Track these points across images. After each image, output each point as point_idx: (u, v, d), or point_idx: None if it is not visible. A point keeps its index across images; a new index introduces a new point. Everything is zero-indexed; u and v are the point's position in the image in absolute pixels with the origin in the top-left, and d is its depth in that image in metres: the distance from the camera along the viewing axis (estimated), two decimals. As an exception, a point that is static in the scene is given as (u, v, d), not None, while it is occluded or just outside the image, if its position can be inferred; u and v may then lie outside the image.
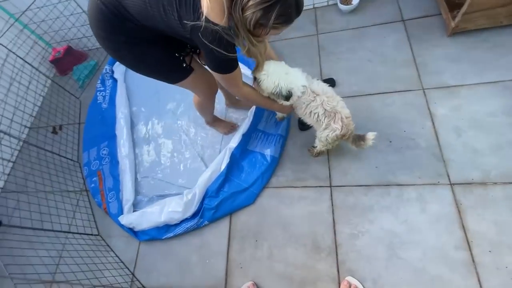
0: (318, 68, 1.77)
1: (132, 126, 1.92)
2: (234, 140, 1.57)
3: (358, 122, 1.51)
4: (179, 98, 1.90)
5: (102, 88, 2.10)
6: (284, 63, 1.19)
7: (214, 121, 1.64)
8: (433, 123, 1.44)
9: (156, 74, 1.13)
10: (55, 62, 2.26)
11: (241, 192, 1.48)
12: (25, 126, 2.08)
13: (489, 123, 1.37)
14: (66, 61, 2.27)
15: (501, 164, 1.27)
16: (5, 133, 1.59)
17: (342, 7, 1.90)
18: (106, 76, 2.13)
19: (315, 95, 1.17)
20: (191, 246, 1.45)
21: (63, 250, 1.53)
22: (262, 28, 0.87)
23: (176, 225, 1.48)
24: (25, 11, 1.94)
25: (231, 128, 1.67)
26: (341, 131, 1.18)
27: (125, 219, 1.52)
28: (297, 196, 1.44)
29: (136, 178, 1.71)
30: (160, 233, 1.48)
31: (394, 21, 1.82)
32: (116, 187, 1.67)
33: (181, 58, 1.10)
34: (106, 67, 2.15)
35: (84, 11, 2.11)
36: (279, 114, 1.54)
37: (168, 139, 1.81)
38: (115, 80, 2.09)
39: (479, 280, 1.10)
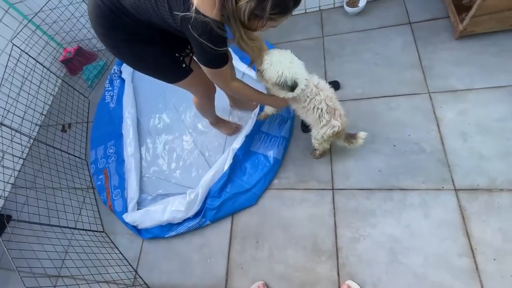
0: (323, 70, 1.77)
1: (138, 125, 1.95)
2: (238, 141, 1.58)
3: (362, 125, 1.51)
4: (185, 98, 1.92)
5: (110, 88, 2.15)
6: (290, 51, 1.12)
7: (218, 122, 1.66)
8: (438, 128, 1.42)
9: (155, 73, 1.13)
10: (66, 62, 2.33)
11: (243, 193, 1.49)
12: (36, 124, 2.14)
13: (497, 128, 1.34)
14: (76, 61, 2.33)
15: (508, 170, 1.25)
16: (16, 131, 1.64)
17: (348, 9, 1.89)
18: (114, 76, 2.17)
19: (318, 90, 1.15)
20: (193, 245, 1.46)
21: (69, 245, 1.57)
22: (258, 20, 0.83)
23: (179, 224, 1.50)
24: (38, 12, 2.01)
25: (234, 129, 1.68)
26: (339, 128, 1.19)
27: (129, 217, 1.55)
28: (299, 198, 1.44)
29: (140, 177, 1.74)
30: (163, 231, 1.51)
31: (401, 23, 1.80)
32: (122, 185, 1.71)
33: (181, 58, 1.10)
34: (114, 67, 2.20)
35: (94, 13, 2.16)
36: (267, 111, 1.47)
37: (173, 139, 1.83)
38: (123, 80, 2.13)
39: (482, 288, 1.08)
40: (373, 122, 1.52)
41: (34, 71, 1.96)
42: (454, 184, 1.28)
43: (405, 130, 1.46)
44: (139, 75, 2.10)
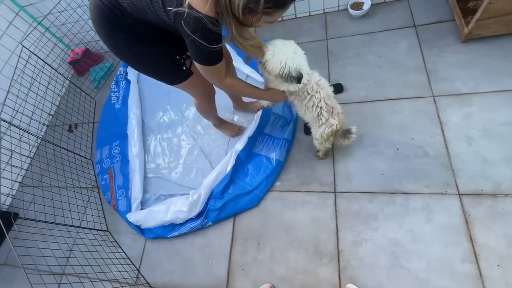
0: (326, 73, 1.77)
1: (143, 126, 1.98)
2: (240, 143, 1.59)
3: (365, 128, 1.51)
4: (189, 100, 1.92)
5: (116, 89, 2.18)
6: (294, 42, 1.08)
7: (221, 124, 1.67)
8: (442, 131, 1.41)
9: (155, 74, 1.14)
10: (73, 63, 2.37)
11: (246, 195, 1.49)
12: (43, 124, 2.18)
13: (502, 132, 1.33)
14: (84, 62, 2.37)
15: (514, 175, 1.23)
16: (25, 130, 1.68)
17: (353, 12, 1.89)
18: (120, 77, 2.21)
19: (319, 88, 1.14)
20: (195, 246, 1.47)
21: (74, 244, 1.59)
22: (253, 15, 0.80)
23: (181, 224, 1.51)
24: (47, 15, 2.05)
25: (237, 131, 1.69)
26: (337, 126, 1.19)
27: (132, 217, 1.56)
28: (301, 200, 1.44)
29: (144, 177, 1.76)
30: (166, 231, 1.52)
31: (406, 26, 1.79)
32: (126, 185, 1.73)
33: (182, 61, 1.10)
34: (120, 68, 2.24)
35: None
36: (262, 103, 1.42)
37: (177, 140, 1.85)
38: (128, 82, 2.16)
39: (485, 295, 1.07)
40: (376, 125, 1.52)
41: (42, 72, 2.00)
42: (458, 189, 1.27)
43: (408, 134, 1.45)
44: (144, 76, 2.13)
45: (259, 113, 1.64)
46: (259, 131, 1.63)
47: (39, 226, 1.43)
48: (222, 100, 1.62)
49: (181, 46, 1.08)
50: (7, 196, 1.85)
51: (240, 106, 1.75)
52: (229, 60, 1.34)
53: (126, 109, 2.03)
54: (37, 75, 1.96)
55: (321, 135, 1.24)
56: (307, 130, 1.56)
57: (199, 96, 1.33)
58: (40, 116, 2.13)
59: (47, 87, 2.09)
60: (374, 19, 1.89)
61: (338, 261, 1.26)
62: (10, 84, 1.67)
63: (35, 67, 1.91)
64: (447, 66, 1.57)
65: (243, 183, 1.52)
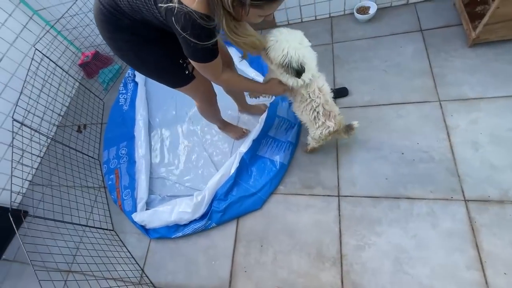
0: (331, 77, 1.77)
1: (149, 127, 2.01)
2: (245, 145, 1.60)
3: (370, 132, 1.51)
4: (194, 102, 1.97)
5: (124, 91, 2.22)
6: (302, 32, 1.02)
7: (226, 126, 1.69)
8: (448, 136, 1.40)
9: (157, 76, 1.15)
10: (84, 66, 2.43)
11: (249, 197, 1.50)
12: (54, 125, 2.24)
13: (510, 138, 1.31)
14: (93, 65, 2.43)
15: (522, 182, 1.21)
16: (36, 130, 1.73)
17: (359, 16, 1.90)
18: (128, 79, 2.25)
19: (320, 94, 1.14)
20: (198, 247, 1.49)
21: (80, 242, 1.63)
22: (242, 8, 0.78)
23: (185, 225, 1.53)
24: (60, 19, 2.11)
25: (242, 133, 1.71)
26: (334, 128, 1.19)
27: (138, 217, 1.59)
28: (304, 204, 1.44)
29: (150, 178, 1.79)
30: (170, 232, 1.54)
31: (412, 31, 1.79)
32: (132, 186, 1.76)
33: (185, 65, 1.11)
34: (128, 71, 2.28)
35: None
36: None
37: (182, 141, 1.87)
38: (136, 84, 2.21)
39: (491, 303, 1.05)
40: (381, 129, 1.51)
41: (54, 74, 2.06)
42: (464, 195, 1.25)
43: (414, 138, 1.44)
44: (152, 79, 2.18)
45: (264, 116, 1.65)
46: (264, 134, 1.64)
47: (48, 224, 1.47)
48: (227, 103, 1.64)
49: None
50: (18, 194, 1.90)
51: (245, 108, 1.76)
52: (230, 60, 1.33)
53: (134, 110, 2.07)
54: (49, 77, 2.02)
55: (319, 136, 1.25)
56: None
57: (200, 99, 1.35)
58: (51, 117, 2.19)
59: (57, 89, 2.15)
60: (380, 23, 1.89)
61: (341, 265, 1.25)
62: (23, 86, 1.72)
63: (47, 69, 1.97)
64: (454, 70, 1.56)
65: (247, 185, 1.53)
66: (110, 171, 1.88)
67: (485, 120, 1.38)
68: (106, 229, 1.66)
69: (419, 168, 1.36)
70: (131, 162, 1.86)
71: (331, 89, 1.65)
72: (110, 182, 1.83)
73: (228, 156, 1.68)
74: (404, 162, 1.40)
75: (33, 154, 1.89)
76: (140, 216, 1.58)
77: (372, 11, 1.87)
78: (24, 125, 1.62)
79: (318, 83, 1.14)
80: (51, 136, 2.15)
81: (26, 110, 1.80)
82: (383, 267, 1.20)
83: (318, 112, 1.18)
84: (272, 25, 2.14)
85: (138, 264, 1.52)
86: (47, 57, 1.94)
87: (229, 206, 1.49)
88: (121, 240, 1.63)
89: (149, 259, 1.54)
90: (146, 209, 1.64)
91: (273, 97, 1.45)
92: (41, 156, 2.13)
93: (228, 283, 1.35)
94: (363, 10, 1.92)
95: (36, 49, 1.84)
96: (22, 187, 1.85)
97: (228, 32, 0.83)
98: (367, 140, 1.50)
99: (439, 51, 1.65)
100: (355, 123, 1.25)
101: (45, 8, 2.19)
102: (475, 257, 1.13)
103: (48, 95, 2.05)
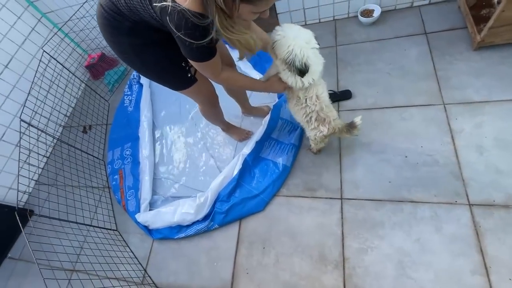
0: (335, 79, 1.78)
1: (154, 128, 2.03)
2: (248, 147, 1.61)
3: (373, 135, 1.51)
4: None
5: (129, 93, 2.25)
6: (312, 33, 1.00)
7: (229, 128, 1.70)
8: (453, 140, 1.39)
9: (160, 79, 1.16)
10: (90, 67, 2.47)
11: (252, 199, 1.51)
12: (60, 125, 2.28)
13: (515, 142, 1.30)
14: (99, 66, 2.46)
15: (527, 186, 1.20)
16: (42, 131, 1.76)
17: (363, 19, 1.90)
18: (133, 81, 2.28)
19: (318, 101, 1.14)
20: (201, 248, 1.49)
21: (84, 241, 1.64)
22: (233, 4, 0.77)
23: (188, 226, 1.53)
24: (67, 21, 2.15)
25: (245, 135, 1.72)
26: (327, 133, 1.19)
27: (141, 217, 1.60)
28: (306, 206, 1.44)
29: (153, 179, 1.80)
30: (173, 232, 1.55)
31: (416, 33, 1.78)
32: (136, 186, 1.78)
33: (187, 68, 1.11)
34: (133, 73, 2.31)
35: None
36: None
37: (186, 143, 1.89)
38: (141, 85, 2.23)
39: (496, 309, 1.04)
40: (384, 132, 1.51)
41: (61, 75, 2.10)
42: (468, 199, 1.24)
43: (417, 141, 1.43)
44: (157, 80, 2.20)
45: (267, 118, 1.66)
46: (267, 136, 1.65)
47: (53, 223, 1.49)
48: (230, 105, 1.65)
49: None
50: (24, 193, 1.93)
51: (248, 111, 1.77)
52: (231, 62, 1.33)
53: (138, 112, 2.09)
54: (56, 78, 2.06)
55: (315, 137, 1.25)
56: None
57: (202, 102, 1.36)
58: (57, 118, 2.22)
59: (64, 90, 2.18)
60: (384, 26, 1.89)
61: (343, 268, 1.25)
62: (31, 87, 1.76)
63: (54, 70, 2.00)
64: (458, 73, 1.55)
65: (250, 187, 1.54)
66: (114, 171, 1.90)
67: (490, 123, 1.37)
68: (110, 229, 1.68)
69: (423, 171, 1.36)
70: (135, 163, 1.88)
71: (335, 91, 1.65)
72: (114, 183, 1.85)
73: (231, 158, 1.69)
74: (408, 165, 1.39)
75: (40, 154, 1.92)
76: (144, 217, 1.60)
77: (376, 14, 1.87)
78: (31, 125, 1.65)
79: (317, 90, 1.13)
80: (57, 137, 2.18)
81: (33, 110, 1.83)
82: (385, 271, 1.20)
83: (311, 117, 1.18)
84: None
85: (140, 264, 1.53)
86: (54, 58, 1.97)
87: (231, 208, 1.49)
88: (124, 240, 1.65)
89: (152, 259, 1.55)
90: (150, 210, 1.65)
91: (277, 99, 1.45)
92: (47, 156, 2.16)
93: (230, 284, 1.35)
94: (367, 13, 1.92)
95: (44, 51, 1.88)
96: (29, 186, 1.88)
97: (221, 29, 0.81)
98: (370, 142, 1.49)
99: (444, 54, 1.64)
100: (358, 120, 1.18)
101: (53, 10, 2.23)
102: (480, 262, 1.12)
103: (55, 96, 2.08)
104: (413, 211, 1.28)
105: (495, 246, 1.13)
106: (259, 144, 1.62)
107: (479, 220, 1.19)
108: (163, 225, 1.56)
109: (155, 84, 2.21)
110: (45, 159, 2.13)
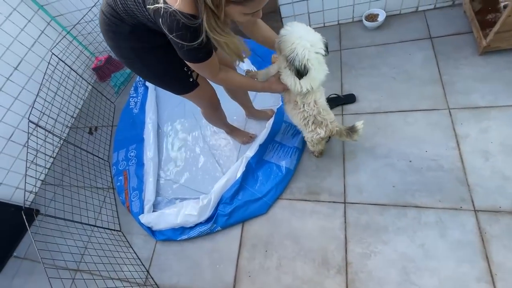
0: (339, 83, 1.78)
1: (158, 130, 2.05)
2: (251, 150, 1.62)
3: (377, 140, 1.50)
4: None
5: (134, 95, 2.28)
6: (321, 36, 0.99)
7: (233, 131, 1.71)
8: (458, 145, 1.38)
9: (162, 84, 1.17)
10: (97, 69, 2.51)
11: (255, 201, 1.51)
12: (66, 126, 2.31)
13: (522, 148, 1.28)
14: (106, 69, 2.50)
15: (534, 193, 1.18)
16: (49, 132, 1.79)
17: (367, 23, 1.90)
18: (139, 83, 2.31)
19: (315, 107, 1.14)
20: (204, 250, 1.49)
21: (88, 242, 1.66)
22: (219, 4, 0.76)
23: (191, 228, 1.54)
24: (76, 24, 2.19)
25: (249, 138, 1.72)
26: (324, 135, 1.19)
27: (145, 218, 1.61)
28: (309, 210, 1.44)
29: (157, 180, 1.82)
30: (176, 234, 1.55)
31: (421, 38, 1.78)
32: (140, 187, 1.79)
33: (189, 72, 1.12)
34: (139, 75, 2.34)
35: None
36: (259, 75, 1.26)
37: (190, 145, 1.90)
38: (146, 88, 2.26)
39: (502, 318, 1.02)
40: (389, 136, 1.50)
41: (68, 77, 2.13)
42: (473, 205, 1.23)
43: (422, 146, 1.42)
44: (162, 83, 2.23)
45: (271, 121, 1.67)
46: (270, 139, 1.65)
47: (58, 223, 1.51)
48: (234, 108, 1.66)
49: None
50: (30, 193, 1.96)
51: (252, 114, 1.78)
52: (231, 63, 1.32)
53: (143, 114, 2.11)
54: (63, 80, 2.09)
55: (311, 140, 1.25)
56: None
57: (204, 106, 1.37)
58: (64, 119, 2.26)
59: (71, 92, 2.22)
60: (389, 31, 1.89)
61: (346, 273, 1.24)
62: (39, 89, 1.79)
63: (62, 72, 2.04)
64: (464, 78, 1.54)
65: (253, 189, 1.54)
66: (119, 172, 1.92)
67: (496, 129, 1.36)
68: (114, 230, 1.69)
69: (427, 176, 1.35)
70: (140, 164, 1.90)
71: (340, 95, 1.65)
72: (118, 184, 1.87)
73: (235, 160, 1.70)
74: (412, 170, 1.38)
75: (46, 155, 1.95)
76: (147, 218, 1.61)
77: (381, 18, 1.87)
78: (39, 126, 1.68)
79: (316, 96, 1.14)
80: (64, 137, 2.21)
81: (41, 112, 1.86)
82: (389, 276, 1.18)
83: (308, 121, 1.19)
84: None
85: (143, 265, 1.54)
86: (62, 61, 2.01)
87: (234, 210, 1.50)
88: (127, 241, 1.66)
89: (155, 260, 1.56)
90: (153, 211, 1.66)
91: (281, 103, 1.46)
92: (54, 156, 2.19)
93: (232, 287, 1.35)
94: (372, 17, 1.92)
95: (53, 53, 1.92)
96: (35, 186, 1.91)
97: (209, 29, 0.80)
98: (374, 147, 1.49)
99: (449, 59, 1.64)
100: (359, 124, 1.16)
101: (62, 14, 2.28)
102: (485, 269, 1.10)
103: (62, 98, 2.12)
104: (417, 216, 1.27)
105: (501, 253, 1.11)
106: (263, 147, 1.62)
107: (484, 227, 1.18)
108: (166, 227, 1.57)
109: (160, 86, 2.25)
110: (51, 160, 2.17)
